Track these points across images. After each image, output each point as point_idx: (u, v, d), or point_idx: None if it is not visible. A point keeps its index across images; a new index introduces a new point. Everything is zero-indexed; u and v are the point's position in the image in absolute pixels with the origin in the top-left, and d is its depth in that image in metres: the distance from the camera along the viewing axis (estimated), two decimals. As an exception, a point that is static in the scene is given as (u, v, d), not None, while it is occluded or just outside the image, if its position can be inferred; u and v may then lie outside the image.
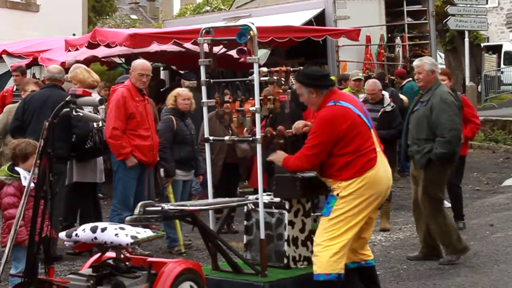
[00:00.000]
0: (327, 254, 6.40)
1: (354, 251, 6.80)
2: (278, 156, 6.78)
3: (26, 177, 6.75)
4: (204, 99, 7.27)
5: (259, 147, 6.82)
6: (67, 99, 5.44)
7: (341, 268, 6.42)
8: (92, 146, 9.37)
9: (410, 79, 15.37)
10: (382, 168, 6.56)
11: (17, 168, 6.96)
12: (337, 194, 6.46)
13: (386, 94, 11.44)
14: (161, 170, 9.48)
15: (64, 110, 5.46)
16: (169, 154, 9.45)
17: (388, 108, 10.80)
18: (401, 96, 14.43)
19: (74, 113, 5.43)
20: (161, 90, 15.98)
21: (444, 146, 8.36)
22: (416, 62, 8.95)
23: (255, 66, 6.79)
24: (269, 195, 7.23)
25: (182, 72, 15.54)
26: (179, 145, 9.55)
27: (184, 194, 9.71)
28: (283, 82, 7.13)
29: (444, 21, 23.80)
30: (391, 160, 9.23)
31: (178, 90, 9.93)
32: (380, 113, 10.74)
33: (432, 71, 8.62)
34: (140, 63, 9.35)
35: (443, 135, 8.37)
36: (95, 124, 9.30)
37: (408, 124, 8.80)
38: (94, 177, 9.71)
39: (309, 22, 16.01)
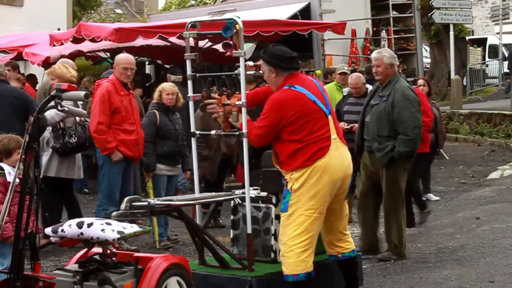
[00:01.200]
0: (293, 255, 6.31)
1: (330, 244, 6.75)
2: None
3: (10, 172, 6.70)
4: (190, 93, 7.25)
5: (245, 142, 6.79)
6: (52, 93, 5.41)
7: (310, 266, 6.34)
8: (76, 141, 9.31)
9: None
10: (337, 156, 6.36)
11: (1, 164, 6.90)
12: (291, 188, 6.36)
13: (370, 87, 11.45)
14: (143, 164, 9.48)
15: (49, 105, 5.43)
16: (150, 148, 9.41)
17: (372, 102, 10.78)
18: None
19: (59, 107, 5.40)
20: (147, 84, 15.96)
21: (407, 144, 8.18)
22: (374, 55, 8.62)
23: (241, 60, 6.76)
24: (256, 189, 7.21)
25: (167, 66, 15.51)
26: (162, 139, 9.51)
27: (170, 189, 9.67)
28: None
29: (429, 14, 23.87)
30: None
31: (163, 85, 9.91)
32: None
33: (391, 64, 8.35)
34: (124, 57, 9.33)
35: (406, 133, 8.16)
36: (77, 118, 9.26)
37: (365, 117, 8.54)
38: (71, 173, 9.54)
39: (294, 16, 16.02)
